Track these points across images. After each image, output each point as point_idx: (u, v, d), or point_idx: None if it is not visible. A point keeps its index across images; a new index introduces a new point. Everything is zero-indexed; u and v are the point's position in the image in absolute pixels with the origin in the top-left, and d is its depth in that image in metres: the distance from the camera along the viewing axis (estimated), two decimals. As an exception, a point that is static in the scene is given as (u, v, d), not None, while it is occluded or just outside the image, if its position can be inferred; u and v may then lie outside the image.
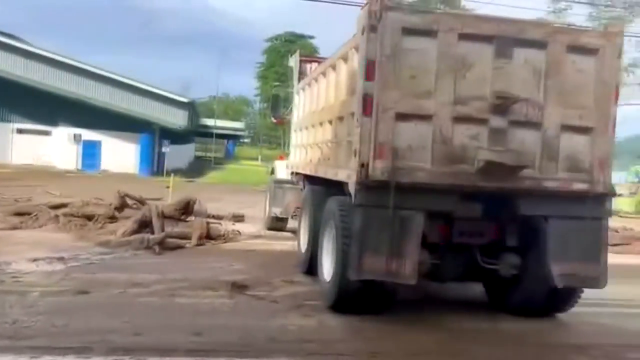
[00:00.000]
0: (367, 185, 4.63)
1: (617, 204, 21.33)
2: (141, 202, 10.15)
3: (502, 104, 4.69)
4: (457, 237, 5.14)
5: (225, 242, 8.82)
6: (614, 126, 4.95)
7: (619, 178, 38.33)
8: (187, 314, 4.89)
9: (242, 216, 11.64)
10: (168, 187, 14.07)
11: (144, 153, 28.52)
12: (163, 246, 7.73)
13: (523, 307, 5.43)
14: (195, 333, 4.31)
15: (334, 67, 5.96)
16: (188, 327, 4.45)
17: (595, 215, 4.94)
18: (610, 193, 4.97)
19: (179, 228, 8.91)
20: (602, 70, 4.88)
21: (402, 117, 4.67)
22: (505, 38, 4.74)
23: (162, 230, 8.26)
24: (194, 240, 8.31)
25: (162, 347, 3.99)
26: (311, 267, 6.26)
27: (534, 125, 4.81)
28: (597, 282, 4.92)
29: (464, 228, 5.14)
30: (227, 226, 9.87)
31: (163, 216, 8.76)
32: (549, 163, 4.85)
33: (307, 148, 7.50)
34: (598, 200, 4.92)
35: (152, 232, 8.11)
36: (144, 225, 8.37)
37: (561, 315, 5.52)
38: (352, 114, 4.94)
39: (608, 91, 4.90)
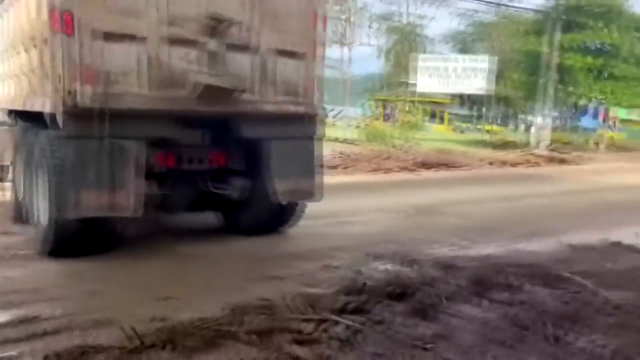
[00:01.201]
0: (76, 114, 4.20)
1: (352, 133, 24.25)
2: None
3: (216, 27, 4.64)
4: (183, 165, 5.07)
5: None
6: (321, 52, 5.37)
7: (355, 111, 43.46)
8: None
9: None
10: None
11: None
12: None
13: (254, 227, 5.74)
14: None
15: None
16: None
17: (309, 135, 5.38)
18: (320, 115, 5.46)
19: None
20: (307, -2, 5.18)
21: (110, 37, 4.28)
22: (217, -42, 4.65)
23: None
24: None
25: None
26: (29, 214, 5.55)
27: (250, 49, 4.91)
28: (314, 195, 5.44)
29: (190, 155, 5.10)
30: None
31: None
32: (267, 87, 5.06)
33: (12, 80, 6.44)
34: (310, 122, 5.36)
35: None
36: None
37: (290, 230, 6.03)
38: (54, 34, 4.32)
39: (312, 18, 5.24)
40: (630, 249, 5.84)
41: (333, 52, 29.39)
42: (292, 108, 5.23)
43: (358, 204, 8.22)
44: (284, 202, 5.26)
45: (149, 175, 4.65)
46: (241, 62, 4.87)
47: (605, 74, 22.34)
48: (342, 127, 26.80)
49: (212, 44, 4.68)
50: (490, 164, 15.30)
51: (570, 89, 22.77)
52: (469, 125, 39.57)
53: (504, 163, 15.74)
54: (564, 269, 4.74)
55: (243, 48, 4.87)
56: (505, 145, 22.35)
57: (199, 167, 5.18)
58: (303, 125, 5.27)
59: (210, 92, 4.61)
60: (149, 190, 4.60)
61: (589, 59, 21.56)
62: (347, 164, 12.70)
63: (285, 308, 3.49)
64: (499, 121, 36.55)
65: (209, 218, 6.18)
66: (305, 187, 5.37)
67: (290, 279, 4.44)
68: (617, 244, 5.95)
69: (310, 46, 5.25)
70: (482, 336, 3.28)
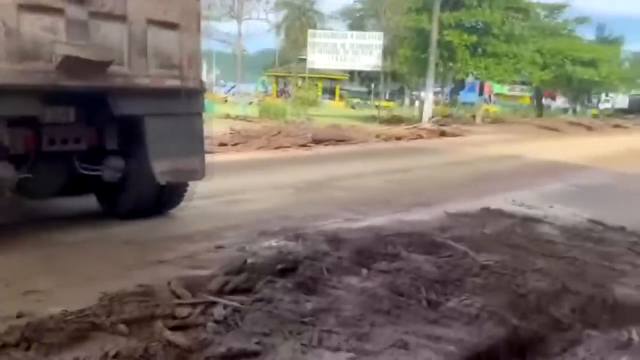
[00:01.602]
0: None
1: (245, 109, 23.92)
2: None
3: (77, -8, 4.23)
4: (48, 145, 4.62)
5: None
6: (199, 23, 5.11)
7: (249, 88, 42.93)
8: None
9: None
10: None
11: None
12: None
13: (134, 210, 5.42)
14: None
15: None
16: None
17: (189, 111, 5.14)
18: (201, 89, 5.23)
19: None
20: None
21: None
22: None
23: None
24: None
25: None
26: None
27: (118, 18, 4.54)
28: (197, 174, 5.24)
29: (56, 134, 4.66)
30: None
31: None
32: (139, 59, 4.73)
33: None
34: (191, 97, 5.11)
35: None
36: None
37: (173, 211, 5.79)
38: None
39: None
40: (501, 213, 6.33)
41: (224, 26, 28.61)
42: (169, 82, 4.95)
43: (249, 181, 8.12)
44: (163, 183, 5.00)
45: (6, 157, 4.19)
46: (108, 32, 4.49)
47: (480, 50, 23.89)
48: (236, 104, 26.34)
49: (75, 11, 4.26)
50: (378, 137, 15.85)
51: (451, 64, 24.11)
52: (361, 101, 40.76)
53: (390, 137, 16.37)
54: (439, 235, 5.01)
55: (110, 16, 4.49)
56: (394, 120, 23.30)
57: (66, 147, 4.75)
58: (183, 100, 5.01)
59: (75, 65, 4.22)
60: (4, 173, 4.15)
61: (466, 36, 22.91)
62: (238, 141, 12.48)
63: (162, 293, 3.33)
64: (390, 97, 37.99)
65: (91, 203, 5.76)
66: (188, 166, 5.15)
67: (174, 262, 4.27)
68: (488, 210, 6.42)
69: (189, 17, 4.98)
70: (362, 305, 3.36)
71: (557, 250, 4.87)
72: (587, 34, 35.64)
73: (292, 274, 3.79)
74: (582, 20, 31.34)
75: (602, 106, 45.49)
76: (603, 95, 45.34)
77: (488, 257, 4.36)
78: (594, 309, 3.94)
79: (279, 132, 13.29)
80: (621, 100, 48.39)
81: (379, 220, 5.83)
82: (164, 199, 5.50)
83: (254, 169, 9.34)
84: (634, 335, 3.45)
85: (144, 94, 4.81)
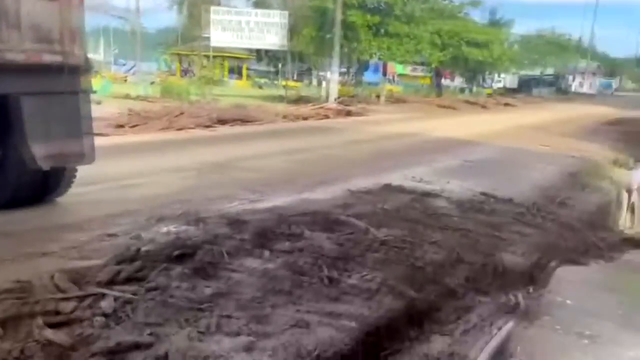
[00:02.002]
0: None
1: (146, 89, 22.79)
2: None
3: None
4: None
5: None
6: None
7: (150, 67, 40.95)
8: None
9: None
10: None
11: None
12: None
13: (14, 198, 4.94)
14: None
15: None
16: None
17: (73, 90, 4.73)
18: (86, 66, 4.83)
19: None
20: None
21: None
22: None
23: None
24: None
25: None
26: None
27: (-19, -16, 4.04)
28: (84, 158, 4.85)
29: None
30: None
31: None
32: (11, 32, 4.24)
33: None
34: (74, 74, 4.70)
35: None
36: None
37: (59, 199, 5.35)
38: None
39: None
40: (400, 189, 6.51)
41: (120, 1, 26.94)
42: (48, 58, 4.50)
43: (146, 164, 7.72)
44: (46, 168, 4.59)
45: None
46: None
47: (383, 31, 24.41)
48: (136, 84, 24.99)
49: None
50: (284, 117, 15.77)
51: (355, 44, 24.43)
52: (268, 81, 40.34)
53: (297, 117, 16.35)
54: (341, 213, 5.05)
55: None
56: (300, 99, 23.28)
57: None
58: (65, 78, 4.59)
59: None
60: None
61: (369, 17, 23.28)
62: (137, 122, 11.83)
63: (44, 288, 3.04)
64: (296, 77, 37.91)
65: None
66: (74, 150, 4.75)
67: (59, 254, 3.90)
68: (388, 186, 6.58)
69: (65, -13, 4.54)
70: (262, 287, 3.29)
71: (452, 223, 5.09)
72: (480, 17, 37.56)
73: (190, 259, 3.64)
74: (475, 3, 32.93)
75: (495, 86, 48.58)
76: (496, 76, 48.32)
77: (388, 232, 4.46)
78: (486, 277, 4.18)
79: (182, 113, 12.77)
80: (511, 80, 52.02)
81: (283, 200, 5.77)
82: (48, 185, 5.06)
83: (154, 152, 8.90)
84: (520, 299, 3.69)
85: (18, 71, 4.34)
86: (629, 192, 7.46)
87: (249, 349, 2.61)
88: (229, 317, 2.88)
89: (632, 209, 7.49)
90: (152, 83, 26.62)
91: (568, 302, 3.47)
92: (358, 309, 3.21)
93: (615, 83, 69.87)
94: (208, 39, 25.45)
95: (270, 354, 2.60)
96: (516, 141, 12.61)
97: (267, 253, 3.82)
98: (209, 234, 4.19)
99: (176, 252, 3.60)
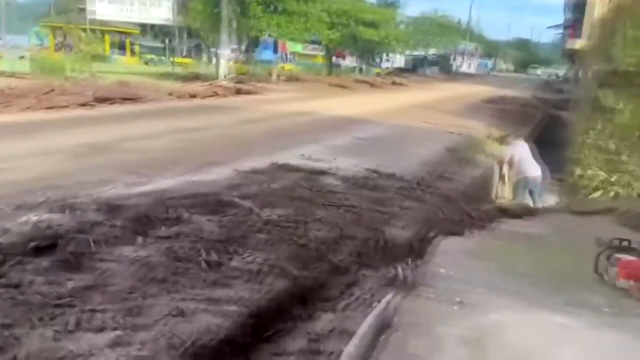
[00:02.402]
0: None
1: (15, 65, 20.61)
2: None
3: None
4: None
5: None
6: None
7: (20, 40, 37.22)
8: None
9: None
10: None
11: None
12: None
13: None
14: None
15: None
16: None
17: None
18: None
19: None
20: None
21: None
22: None
23: None
24: None
25: None
26: None
27: None
28: None
29: None
30: None
31: None
32: None
33: None
34: None
35: None
36: None
37: None
38: None
39: None
40: (289, 168, 6.46)
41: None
42: None
43: (9, 147, 6.96)
44: None
45: None
46: None
47: (273, 8, 24.07)
48: (3, 58, 22.52)
49: None
50: (172, 95, 15.05)
51: (251, 22, 23.85)
52: (156, 57, 38.32)
53: (189, 96, 15.68)
54: (227, 194, 4.89)
55: None
56: (190, 77, 22.36)
57: None
58: None
59: None
60: None
61: (264, -6, 22.83)
62: (7, 99, 10.62)
63: None
64: (187, 53, 36.39)
65: None
66: None
67: None
68: (278, 165, 6.50)
69: None
70: (134, 277, 3.07)
71: (337, 199, 5.14)
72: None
73: (58, 251, 3.30)
74: (366, -17, 33.56)
75: (384, 65, 50.17)
76: (384, 55, 49.88)
77: (272, 211, 4.38)
78: (368, 251, 4.25)
79: (52, 90, 11.65)
80: (399, 60, 54.07)
81: (165, 183, 5.47)
82: None
83: (18, 133, 8.04)
84: (399, 271, 3.79)
85: None
86: (500, 163, 8.02)
87: (114, 344, 2.41)
88: (92, 311, 2.64)
89: (503, 179, 8.07)
90: (21, 57, 24.16)
91: (442, 270, 3.61)
92: (239, 292, 3.10)
93: (490, 64, 75.46)
94: (84, 10, 23.52)
95: (139, 348, 2.41)
96: (402, 119, 13.09)
97: (140, 239, 3.58)
98: (76, 221, 3.83)
99: (33, 244, 3.24)
